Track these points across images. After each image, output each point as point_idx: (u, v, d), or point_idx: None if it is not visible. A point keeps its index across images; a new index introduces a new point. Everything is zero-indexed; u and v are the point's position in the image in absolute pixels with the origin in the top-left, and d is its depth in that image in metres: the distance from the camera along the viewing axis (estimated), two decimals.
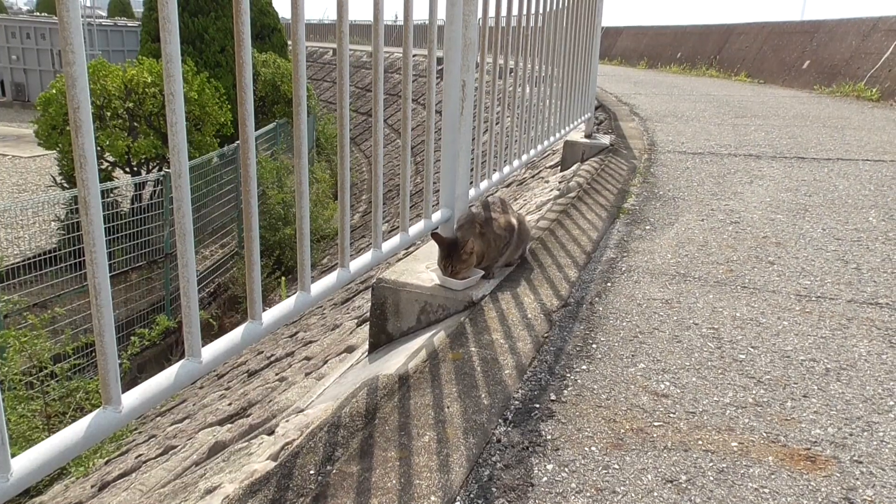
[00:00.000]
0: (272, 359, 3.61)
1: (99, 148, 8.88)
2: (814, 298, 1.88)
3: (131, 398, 1.02)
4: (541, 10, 2.78)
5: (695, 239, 2.41)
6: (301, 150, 1.33)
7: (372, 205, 1.68)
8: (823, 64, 9.18)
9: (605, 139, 4.28)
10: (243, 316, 1.26)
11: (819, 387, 1.41)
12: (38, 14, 28.97)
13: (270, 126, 11.44)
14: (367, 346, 2.03)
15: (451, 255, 1.79)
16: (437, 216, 1.98)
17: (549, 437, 1.22)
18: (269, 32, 14.89)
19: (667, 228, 2.54)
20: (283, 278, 8.47)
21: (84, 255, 0.94)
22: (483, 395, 1.34)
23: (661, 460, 1.17)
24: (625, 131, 4.86)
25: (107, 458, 3.79)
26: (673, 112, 6.15)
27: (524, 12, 2.55)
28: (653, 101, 7.17)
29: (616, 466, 1.15)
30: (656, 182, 3.31)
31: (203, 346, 1.14)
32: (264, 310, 1.28)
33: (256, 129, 8.29)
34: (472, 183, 2.17)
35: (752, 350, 1.57)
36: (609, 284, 1.97)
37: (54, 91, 9.34)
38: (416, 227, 1.86)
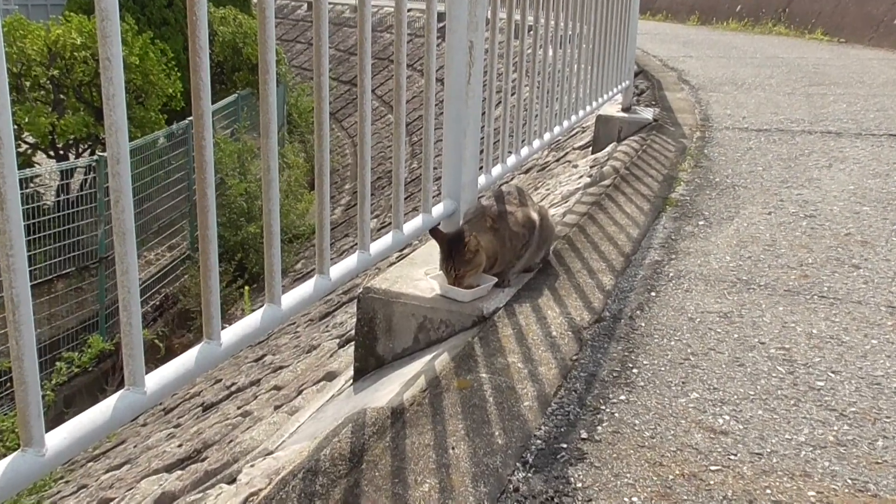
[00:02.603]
0: (233, 388, 3.62)
1: (16, 126, 8.91)
2: None
3: (57, 438, 1.02)
4: None
5: (760, 237, 2.41)
6: (269, 127, 1.33)
7: (357, 196, 1.68)
8: None
9: (648, 113, 4.28)
10: (197, 335, 1.27)
11: None
12: None
13: (231, 98, 11.47)
14: (351, 373, 2.03)
15: (453, 255, 1.78)
16: (438, 210, 1.98)
17: (579, 484, 1.22)
18: None
19: (725, 224, 2.54)
20: (247, 288, 8.48)
21: None
22: (497, 433, 1.34)
23: None
24: (672, 103, 4.87)
25: None
26: (731, 79, 6.16)
27: None
28: (706, 65, 7.18)
29: None
30: (711, 166, 3.30)
31: (147, 373, 1.14)
32: (224, 327, 1.28)
33: (214, 102, 8.30)
34: (482, 168, 2.17)
35: (832, 376, 1.57)
36: (653, 294, 1.97)
37: None
38: (413, 224, 1.86)
